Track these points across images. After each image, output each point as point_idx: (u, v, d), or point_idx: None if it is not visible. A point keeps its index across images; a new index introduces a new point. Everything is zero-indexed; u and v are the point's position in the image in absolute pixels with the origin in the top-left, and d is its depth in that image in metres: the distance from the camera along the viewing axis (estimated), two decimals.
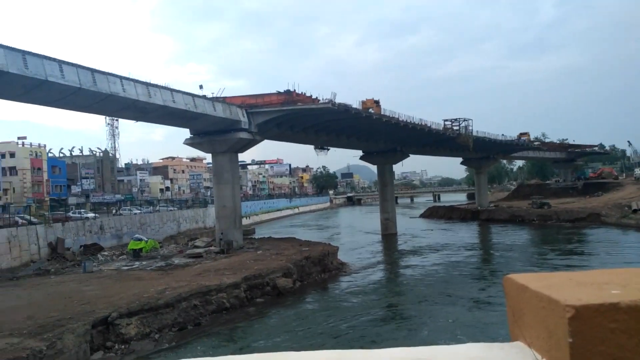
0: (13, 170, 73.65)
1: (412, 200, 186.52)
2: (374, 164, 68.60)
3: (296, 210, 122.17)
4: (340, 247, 42.92)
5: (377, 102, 50.27)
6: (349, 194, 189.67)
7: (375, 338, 20.57)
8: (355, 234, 66.19)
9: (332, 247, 40.17)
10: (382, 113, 49.28)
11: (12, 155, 74.55)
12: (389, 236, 60.89)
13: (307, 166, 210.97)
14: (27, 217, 45.16)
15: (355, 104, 46.40)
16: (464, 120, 64.28)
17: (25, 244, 37.31)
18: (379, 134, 57.09)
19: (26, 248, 37.30)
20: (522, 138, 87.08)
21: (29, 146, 78.01)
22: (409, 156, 69.34)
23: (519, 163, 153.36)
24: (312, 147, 59.52)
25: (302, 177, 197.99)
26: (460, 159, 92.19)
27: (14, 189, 72.63)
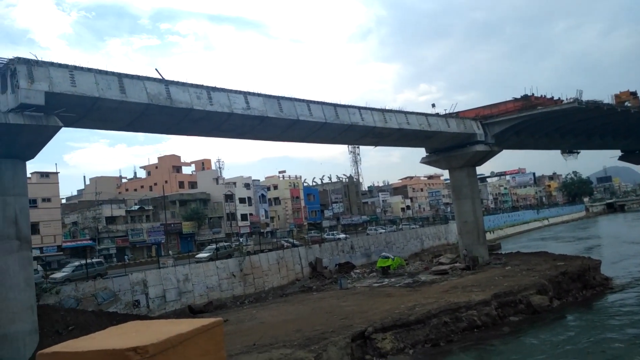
0: (277, 200, 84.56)
1: None
2: (637, 164, 59.56)
3: (545, 222, 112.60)
4: (603, 260, 38.02)
5: (633, 94, 43.90)
6: (609, 200, 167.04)
7: None
8: (620, 245, 57.88)
9: (593, 261, 35.90)
10: None
11: (276, 187, 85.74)
12: None
13: (554, 173, 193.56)
14: (291, 240, 51.21)
15: (607, 99, 41.42)
16: None
17: (290, 264, 42.29)
18: None
19: (291, 268, 42.24)
20: None
21: (288, 178, 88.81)
22: None
23: None
24: (558, 152, 54.67)
25: (549, 186, 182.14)
26: None
27: (278, 216, 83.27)
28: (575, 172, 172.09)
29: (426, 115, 37.28)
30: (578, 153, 55.00)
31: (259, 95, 28.25)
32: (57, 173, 52.91)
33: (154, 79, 24.47)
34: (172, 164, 79.05)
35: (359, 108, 33.12)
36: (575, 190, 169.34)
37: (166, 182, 72.58)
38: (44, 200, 49.64)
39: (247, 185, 75.85)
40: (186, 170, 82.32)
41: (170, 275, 33.49)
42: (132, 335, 2.17)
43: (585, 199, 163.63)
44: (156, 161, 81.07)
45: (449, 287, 30.30)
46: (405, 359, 20.88)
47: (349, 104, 32.78)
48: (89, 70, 22.38)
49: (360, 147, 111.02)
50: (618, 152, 59.84)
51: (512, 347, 22.07)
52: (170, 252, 53.03)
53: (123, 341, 1.98)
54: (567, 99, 38.57)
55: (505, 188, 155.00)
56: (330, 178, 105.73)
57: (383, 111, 34.50)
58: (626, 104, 42.50)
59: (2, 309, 21.36)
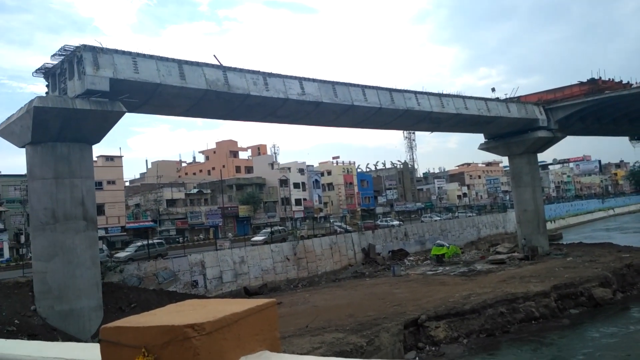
0: (330, 186, 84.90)
1: None
2: None
3: (610, 212, 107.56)
4: None
5: None
6: None
7: None
8: None
9: None
10: None
11: (329, 173, 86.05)
12: None
13: (622, 161, 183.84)
14: (344, 226, 51.35)
15: None
16: None
17: (343, 250, 42.49)
18: None
19: (344, 253, 42.43)
20: None
21: (341, 164, 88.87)
22: None
23: None
24: (626, 138, 51.94)
25: (615, 174, 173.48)
26: None
27: (332, 202, 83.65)
28: None
29: (485, 100, 36.23)
30: None
31: (313, 80, 28.30)
32: (121, 157, 55.23)
33: (212, 65, 24.97)
34: (230, 149, 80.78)
35: (415, 93, 32.59)
36: None
37: (223, 166, 74.33)
38: (109, 182, 51.94)
39: (301, 171, 76.53)
40: (242, 155, 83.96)
41: (227, 257, 34.37)
42: (190, 313, 2.24)
43: None
44: (214, 146, 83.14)
45: (506, 277, 29.59)
46: (459, 348, 20.63)
47: (405, 89, 32.32)
48: (151, 57, 23.09)
49: (416, 133, 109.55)
50: None
51: (570, 340, 21.37)
52: (229, 234, 54.44)
53: (181, 318, 2.05)
54: (637, 83, 36.52)
55: (569, 176, 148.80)
56: (384, 164, 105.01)
57: (440, 96, 33.79)
58: None
59: (69, 286, 22.59)
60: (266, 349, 2.44)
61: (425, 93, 33.25)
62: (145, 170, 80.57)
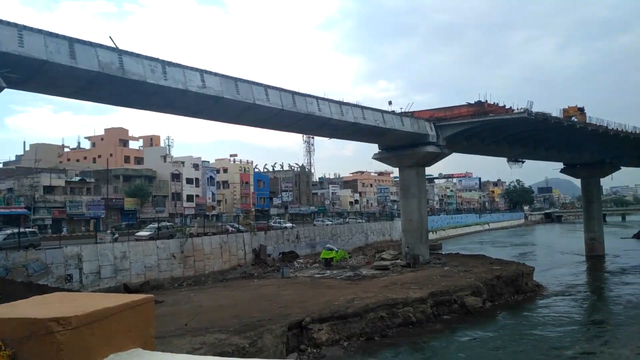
0: (226, 184, 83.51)
1: (623, 218, 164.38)
2: (577, 177, 62.57)
3: (486, 227, 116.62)
4: (537, 267, 39.72)
5: (580, 110, 45.79)
6: (547, 210, 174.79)
7: None
8: (554, 254, 60.66)
9: (527, 267, 37.48)
10: (587, 121, 44.71)
11: (225, 170, 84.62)
12: (594, 258, 54.66)
13: (499, 180, 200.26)
14: (236, 225, 50.75)
15: (556, 112, 42.95)
16: None
17: (233, 249, 41.92)
18: (583, 145, 51.90)
19: (234, 253, 41.88)
20: None
21: (239, 163, 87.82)
22: (620, 169, 61.80)
23: None
24: (504, 159, 56.52)
25: (493, 192, 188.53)
26: None
27: (226, 200, 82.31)
28: (518, 181, 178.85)
29: (382, 112, 37.61)
30: (523, 162, 56.97)
31: (215, 74, 27.65)
32: None
33: (107, 47, 23.52)
34: (119, 137, 76.48)
35: (317, 98, 33.01)
36: (517, 198, 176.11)
37: (111, 155, 70.12)
38: None
39: (196, 166, 74.53)
40: (133, 145, 79.92)
41: (108, 251, 32.52)
42: (56, 306, 2.05)
43: (526, 207, 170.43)
44: (102, 133, 78.26)
45: (388, 282, 30.86)
46: (339, 351, 21.14)
47: (308, 93, 32.62)
48: (39, 31, 21.27)
49: (315, 138, 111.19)
50: (560, 165, 62.35)
51: (443, 343, 22.75)
52: (112, 228, 51.51)
53: (46, 311, 1.86)
54: (518, 109, 39.73)
55: (452, 190, 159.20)
56: (282, 166, 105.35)
57: (340, 103, 34.53)
58: (573, 118, 44.17)
59: None
60: (139, 346, 2.28)
61: (327, 100, 33.81)
62: (22, 153, 73.93)
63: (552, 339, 23.53)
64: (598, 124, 45.53)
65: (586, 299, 34.35)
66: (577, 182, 64.88)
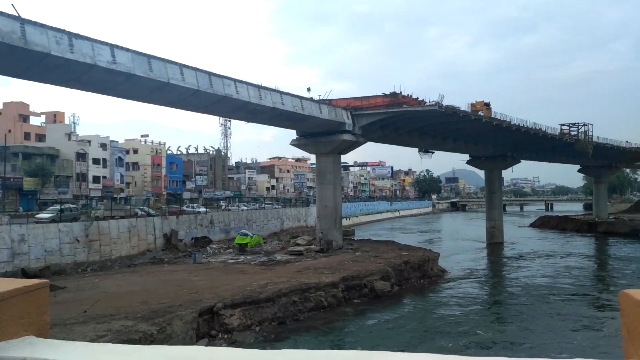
0: (136, 165, 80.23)
1: (521, 208, 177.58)
2: (481, 169, 66.24)
3: (397, 214, 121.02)
4: (442, 253, 41.91)
5: (487, 105, 48.39)
6: (453, 200, 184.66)
7: (473, 347, 19.86)
8: (457, 241, 64.23)
9: (433, 253, 39.35)
10: (492, 116, 47.38)
11: (136, 151, 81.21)
12: (494, 245, 58.42)
13: (410, 169, 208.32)
14: (146, 209, 48.93)
15: (464, 106, 44.99)
16: (584, 125, 59.94)
17: (143, 234, 40.44)
18: (488, 138, 55.00)
19: (144, 238, 40.42)
20: None
21: (150, 144, 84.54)
22: (520, 162, 66.07)
23: None
24: (416, 150, 58.71)
25: (404, 180, 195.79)
26: (577, 167, 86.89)
27: (135, 182, 79.14)
28: (428, 171, 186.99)
29: (301, 98, 37.62)
30: (433, 153, 59.52)
31: (127, 50, 26.27)
32: None
33: (8, 15, 21.61)
34: (19, 111, 70.82)
35: (235, 80, 32.37)
36: (426, 187, 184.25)
37: (9, 131, 64.95)
38: None
39: (103, 146, 70.89)
40: (34, 121, 74.41)
41: (4, 234, 30.20)
42: None
43: (434, 196, 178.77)
44: (0, 106, 72.23)
45: (302, 267, 31.18)
46: (250, 335, 21.12)
47: (225, 75, 31.87)
48: None
49: (233, 121, 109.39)
50: (467, 157, 65.69)
51: (352, 327, 23.41)
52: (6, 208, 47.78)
53: None
54: (430, 102, 41.31)
55: (365, 178, 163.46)
56: (197, 149, 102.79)
57: (259, 87, 34.09)
58: (479, 113, 46.58)
59: None
60: (32, 334, 2.12)
61: (245, 82, 33.23)
62: None
63: (454, 318, 24.99)
64: (502, 119, 48.36)
65: (486, 282, 36.67)
66: (482, 173, 68.71)
